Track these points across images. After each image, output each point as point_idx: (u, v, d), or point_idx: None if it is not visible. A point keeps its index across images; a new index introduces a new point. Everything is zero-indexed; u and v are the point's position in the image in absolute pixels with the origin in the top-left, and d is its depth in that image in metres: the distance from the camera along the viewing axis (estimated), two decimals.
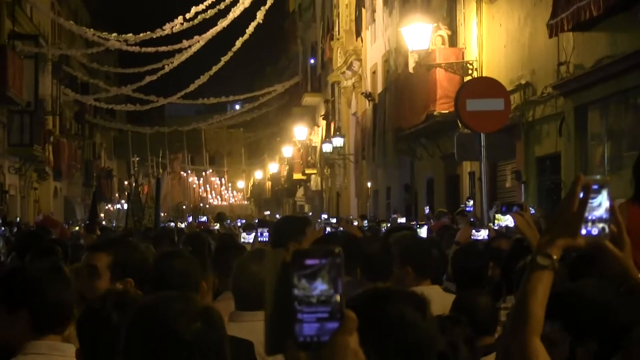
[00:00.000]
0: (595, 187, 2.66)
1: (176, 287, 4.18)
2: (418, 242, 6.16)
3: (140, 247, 5.03)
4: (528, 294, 2.79)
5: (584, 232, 2.68)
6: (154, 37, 33.62)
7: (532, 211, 9.28)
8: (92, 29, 36.23)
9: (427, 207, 24.00)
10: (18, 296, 3.66)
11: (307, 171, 51.33)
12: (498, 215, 12.41)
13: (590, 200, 2.67)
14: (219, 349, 2.37)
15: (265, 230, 9.61)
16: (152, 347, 2.30)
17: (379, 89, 31.97)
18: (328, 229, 11.22)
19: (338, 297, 1.82)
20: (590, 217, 2.68)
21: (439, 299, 5.23)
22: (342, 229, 10.63)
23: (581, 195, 2.68)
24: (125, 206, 26.81)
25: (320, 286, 1.82)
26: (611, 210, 2.70)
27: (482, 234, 9.88)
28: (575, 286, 3.60)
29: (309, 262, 1.83)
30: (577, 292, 3.45)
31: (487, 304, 5.24)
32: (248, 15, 33.65)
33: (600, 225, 2.68)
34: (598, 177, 2.70)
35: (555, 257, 2.75)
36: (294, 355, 1.85)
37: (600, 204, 2.67)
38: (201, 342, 2.32)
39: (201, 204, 57.43)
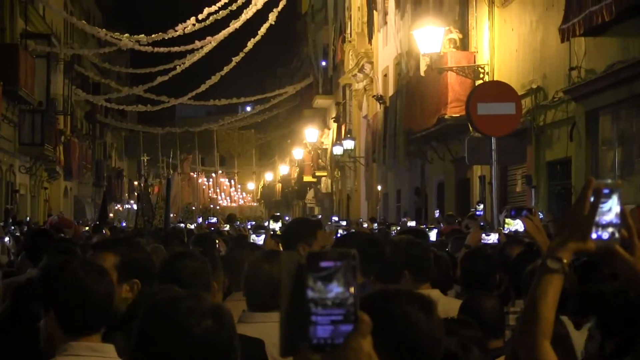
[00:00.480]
0: (606, 191, 2.65)
1: (187, 287, 4.19)
2: (416, 246, 6.13)
3: (145, 247, 5.02)
4: (538, 297, 2.79)
5: (594, 236, 2.68)
6: (166, 37, 33.65)
7: (541, 216, 9.27)
8: (104, 29, 36.29)
9: (438, 211, 24.00)
10: (52, 296, 3.63)
11: (318, 173, 51.35)
12: (507, 220, 12.42)
13: (601, 205, 2.66)
14: (229, 346, 2.37)
15: (278, 225, 9.67)
16: (162, 344, 2.31)
17: (390, 91, 31.97)
18: (340, 231, 11.21)
19: (352, 300, 1.82)
20: (600, 222, 2.67)
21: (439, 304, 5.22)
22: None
23: (592, 199, 2.67)
24: (135, 206, 26.85)
25: (336, 289, 1.82)
26: (622, 214, 2.70)
27: (493, 238, 9.87)
28: (614, 287, 3.66)
29: (324, 264, 1.83)
30: (615, 292, 3.49)
31: (494, 307, 5.22)
32: (260, 16, 33.67)
33: (611, 229, 2.67)
34: (609, 181, 2.70)
35: (565, 260, 2.74)
36: (307, 358, 1.85)
37: (611, 208, 2.66)
38: (211, 340, 2.33)
39: (211, 205, 57.46)
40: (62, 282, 3.66)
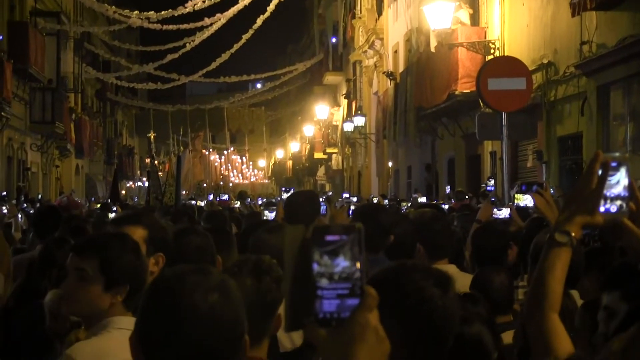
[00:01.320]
0: (613, 164, 2.64)
1: (193, 262, 4.19)
2: (439, 220, 6.04)
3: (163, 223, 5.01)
4: (546, 271, 2.79)
5: (602, 209, 2.67)
6: (176, 14, 33.59)
7: (552, 191, 9.24)
8: (113, 7, 36.24)
9: (448, 187, 23.97)
10: (119, 273, 3.63)
11: (328, 150, 51.35)
12: (517, 195, 12.40)
13: (609, 178, 2.65)
14: (237, 321, 2.37)
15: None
16: (168, 320, 2.30)
17: (401, 68, 31.89)
18: (352, 207, 11.22)
19: (359, 274, 1.81)
20: (608, 195, 2.66)
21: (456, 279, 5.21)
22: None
23: (600, 172, 2.66)
24: (147, 184, 26.91)
25: (342, 263, 1.81)
26: (630, 187, 2.69)
27: (504, 213, 9.85)
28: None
29: (329, 238, 1.82)
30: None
31: (503, 282, 5.21)
32: None
33: (619, 202, 2.66)
34: (617, 154, 2.68)
35: (573, 234, 2.74)
36: (313, 332, 1.85)
37: (619, 181, 2.65)
38: (218, 315, 2.32)
39: (221, 183, 57.49)
40: (139, 261, 3.72)
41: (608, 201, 2.66)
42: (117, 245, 3.69)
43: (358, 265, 1.81)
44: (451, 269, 5.61)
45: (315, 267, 1.81)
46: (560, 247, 2.76)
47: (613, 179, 2.64)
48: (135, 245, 3.79)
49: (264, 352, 3.40)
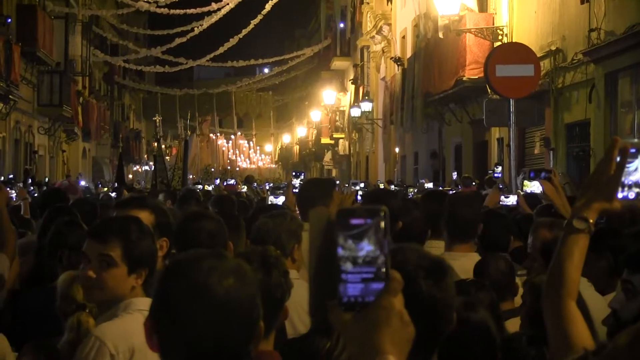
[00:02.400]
0: (632, 150, 2.63)
1: (205, 247, 4.21)
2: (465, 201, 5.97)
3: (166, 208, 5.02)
4: (564, 257, 2.78)
5: (620, 196, 2.66)
6: None
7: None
8: None
9: (455, 173, 23.96)
10: (140, 257, 3.70)
11: (335, 135, 51.29)
12: (525, 182, 12.40)
13: (627, 165, 2.64)
14: (252, 305, 2.37)
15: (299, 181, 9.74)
16: (183, 304, 2.31)
17: (409, 53, 31.84)
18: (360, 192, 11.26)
19: (383, 258, 1.80)
20: (626, 182, 2.65)
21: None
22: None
23: (618, 159, 2.66)
24: (153, 167, 26.93)
25: (367, 247, 1.79)
26: None
27: (511, 200, 9.85)
28: None
29: (354, 221, 1.80)
30: None
31: (504, 268, 5.19)
32: None
33: (637, 189, 2.66)
34: (635, 140, 2.68)
35: (591, 220, 2.74)
36: (337, 315, 1.84)
37: (637, 168, 2.65)
38: (233, 299, 2.32)
39: (228, 167, 57.49)
40: (154, 245, 3.80)
41: (626, 188, 2.66)
42: (136, 229, 3.73)
43: (383, 248, 1.80)
44: (472, 256, 5.55)
45: (340, 250, 1.80)
46: (578, 234, 2.76)
47: (632, 166, 2.64)
48: (149, 229, 3.84)
49: (271, 345, 3.42)
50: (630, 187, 2.38)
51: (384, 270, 1.80)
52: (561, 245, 2.80)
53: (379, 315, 1.82)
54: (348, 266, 1.80)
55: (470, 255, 5.53)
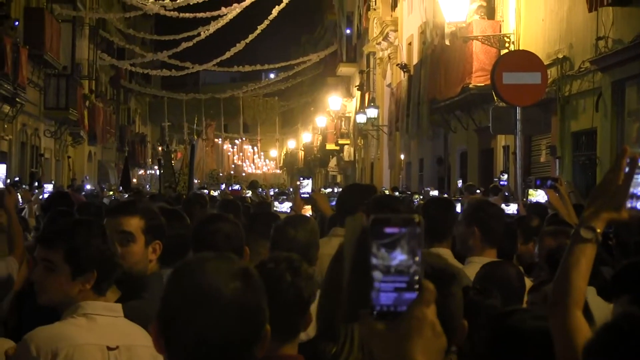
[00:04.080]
0: None
1: (221, 249, 4.22)
2: (488, 206, 5.95)
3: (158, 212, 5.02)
4: (571, 267, 2.77)
5: (628, 205, 2.64)
6: (192, 3, 33.62)
7: None
8: None
9: (460, 180, 23.94)
10: (85, 261, 3.70)
11: (340, 141, 51.31)
12: (531, 190, 12.39)
13: (636, 176, 2.62)
14: (258, 308, 2.36)
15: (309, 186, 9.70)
16: (190, 306, 2.31)
17: (415, 60, 31.84)
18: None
19: (416, 267, 1.78)
20: (635, 193, 2.63)
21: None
22: None
23: (627, 169, 2.65)
24: (158, 172, 26.95)
25: (400, 256, 1.77)
26: None
27: (512, 208, 9.83)
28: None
29: (388, 230, 1.78)
30: None
31: (511, 274, 5.17)
32: None
33: None
34: None
35: (598, 230, 2.72)
36: (370, 324, 1.83)
37: None
38: (240, 302, 2.32)
39: (232, 172, 57.53)
40: (106, 246, 3.80)
41: (634, 199, 2.63)
42: (83, 233, 3.76)
43: (416, 258, 1.78)
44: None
45: (373, 259, 1.78)
46: (585, 243, 2.74)
47: None
48: (101, 230, 3.86)
49: (296, 349, 3.46)
50: (639, 198, 2.33)
51: (417, 279, 1.79)
52: (568, 254, 2.79)
53: (411, 325, 1.80)
54: (380, 275, 1.78)
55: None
